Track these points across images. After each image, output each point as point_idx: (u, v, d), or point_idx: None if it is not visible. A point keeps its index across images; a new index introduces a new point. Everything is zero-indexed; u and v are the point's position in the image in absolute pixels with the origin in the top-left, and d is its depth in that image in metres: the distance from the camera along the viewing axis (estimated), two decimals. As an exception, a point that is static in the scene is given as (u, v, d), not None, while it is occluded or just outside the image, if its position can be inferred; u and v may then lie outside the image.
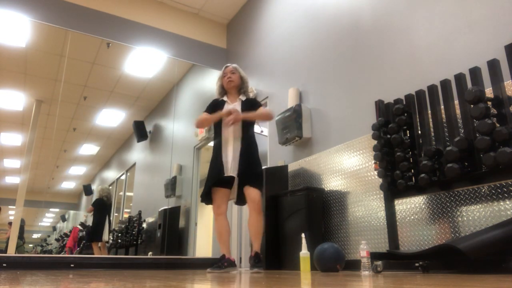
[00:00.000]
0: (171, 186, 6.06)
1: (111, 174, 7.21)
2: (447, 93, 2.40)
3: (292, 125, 3.86)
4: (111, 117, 6.62)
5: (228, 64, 3.22)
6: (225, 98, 3.15)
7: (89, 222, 6.33)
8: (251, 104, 3.09)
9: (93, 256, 5.02)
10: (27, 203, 4.90)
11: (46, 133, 5.74)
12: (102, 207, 5.75)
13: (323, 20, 3.99)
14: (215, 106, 3.13)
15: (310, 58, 4.10)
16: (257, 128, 5.56)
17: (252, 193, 2.91)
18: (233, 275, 2.39)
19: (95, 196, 5.88)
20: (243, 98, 3.13)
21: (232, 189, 3.05)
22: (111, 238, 6.05)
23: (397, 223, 2.73)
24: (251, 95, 5.05)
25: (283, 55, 4.62)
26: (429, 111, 2.55)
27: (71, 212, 6.91)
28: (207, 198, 3.00)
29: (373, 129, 2.82)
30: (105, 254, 5.57)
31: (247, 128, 3.03)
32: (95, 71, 5.87)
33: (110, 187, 7.01)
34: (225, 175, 2.93)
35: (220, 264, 2.82)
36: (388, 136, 2.72)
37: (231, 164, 2.94)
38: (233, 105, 3.07)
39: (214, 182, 2.95)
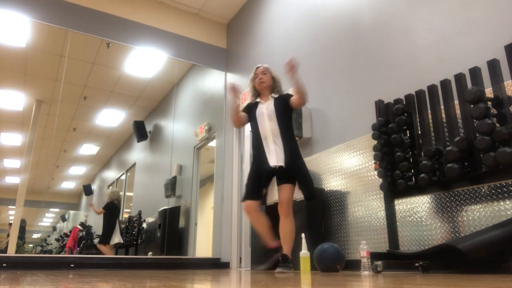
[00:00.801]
0: (171, 186, 6.06)
1: (111, 174, 7.21)
2: (447, 93, 2.40)
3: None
4: (111, 117, 6.62)
5: (259, 65, 3.16)
6: (258, 99, 3.09)
7: (89, 222, 6.34)
8: (282, 99, 3.01)
9: (93, 256, 5.02)
10: (27, 203, 4.90)
11: (46, 133, 5.74)
12: (113, 211, 5.77)
13: (323, 20, 3.99)
14: (250, 107, 3.10)
15: (310, 58, 4.10)
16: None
17: (285, 193, 2.79)
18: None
19: (106, 199, 5.87)
20: (275, 95, 3.06)
21: (271, 187, 2.91)
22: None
23: (397, 223, 2.73)
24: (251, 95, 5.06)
25: (283, 55, 4.62)
26: (429, 111, 2.55)
27: (71, 212, 6.91)
28: (256, 194, 2.86)
29: (373, 129, 2.82)
30: (112, 255, 5.60)
31: (281, 124, 2.92)
32: (95, 71, 5.87)
33: (110, 187, 7.01)
34: (272, 164, 2.80)
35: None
36: (388, 136, 2.72)
37: (275, 154, 2.82)
38: (266, 104, 3.02)
39: (259, 181, 2.82)
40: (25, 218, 5.70)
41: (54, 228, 6.77)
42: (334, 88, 3.67)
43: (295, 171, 2.79)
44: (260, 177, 2.84)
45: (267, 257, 2.83)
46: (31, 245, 6.35)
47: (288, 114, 2.97)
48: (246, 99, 5.16)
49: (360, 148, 3.21)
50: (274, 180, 2.89)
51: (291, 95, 2.97)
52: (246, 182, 2.94)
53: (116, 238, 5.60)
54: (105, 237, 5.56)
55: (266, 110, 2.96)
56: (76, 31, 4.90)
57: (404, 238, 2.69)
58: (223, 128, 5.65)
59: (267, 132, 2.91)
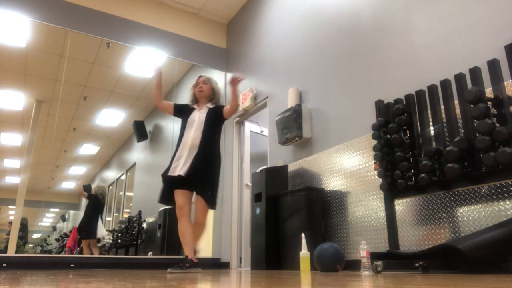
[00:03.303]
0: (171, 186, 6.04)
1: (111, 174, 7.21)
2: (447, 93, 2.40)
3: (292, 125, 3.86)
4: (111, 117, 6.62)
5: (202, 74, 3.37)
6: (195, 106, 3.25)
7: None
8: (215, 110, 3.19)
9: (93, 256, 5.02)
10: (27, 203, 4.90)
11: (46, 133, 5.74)
12: (95, 204, 5.71)
13: (323, 20, 3.99)
14: (183, 108, 3.26)
15: (310, 58, 4.10)
16: (256, 128, 5.57)
17: (200, 210, 2.98)
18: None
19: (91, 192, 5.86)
20: (210, 106, 3.23)
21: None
22: (110, 238, 6.03)
23: (397, 223, 2.73)
24: (251, 95, 5.06)
25: (283, 55, 4.62)
26: (429, 111, 2.55)
27: (71, 212, 6.90)
28: (166, 199, 3.03)
29: (373, 129, 2.82)
30: (96, 253, 5.51)
31: (206, 135, 3.06)
32: (95, 71, 5.87)
33: (110, 187, 7.01)
34: (171, 174, 2.98)
35: (182, 264, 2.76)
36: (388, 136, 2.72)
37: (181, 165, 2.98)
38: (200, 112, 3.18)
39: (170, 184, 2.99)
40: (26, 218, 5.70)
41: (54, 228, 6.77)
42: (334, 88, 3.67)
43: (198, 180, 2.96)
44: (172, 181, 2.99)
45: (184, 264, 2.79)
46: (31, 245, 6.35)
47: (217, 126, 3.17)
48: (245, 99, 5.16)
49: (360, 148, 3.21)
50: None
51: (223, 106, 3.18)
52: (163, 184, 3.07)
53: (100, 232, 5.53)
54: (86, 232, 5.49)
55: (198, 118, 3.13)
56: (76, 31, 4.90)
57: (404, 238, 2.69)
58: (222, 128, 5.65)
59: (188, 139, 3.06)
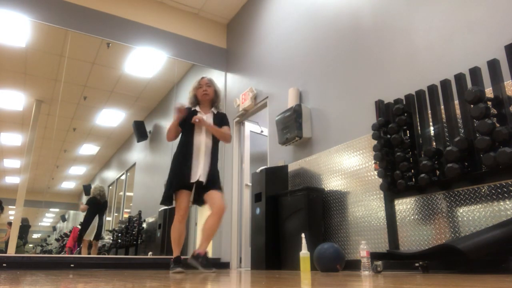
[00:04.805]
0: (171, 186, 6.04)
1: (111, 174, 7.21)
2: (447, 93, 2.40)
3: (292, 125, 3.86)
4: (111, 117, 6.62)
5: (204, 76, 3.33)
6: (197, 108, 3.22)
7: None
8: (221, 119, 3.20)
9: (93, 256, 5.02)
10: (27, 203, 4.90)
11: (46, 133, 5.74)
12: (94, 206, 5.72)
13: (323, 20, 3.99)
14: (187, 114, 3.20)
15: (310, 58, 4.10)
16: (256, 128, 5.56)
17: (219, 198, 2.98)
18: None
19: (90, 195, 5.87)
20: (215, 111, 3.23)
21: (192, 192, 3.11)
22: (110, 238, 6.03)
23: (397, 223, 2.73)
24: (251, 95, 5.06)
25: (283, 55, 4.62)
26: (429, 111, 2.55)
27: (71, 212, 6.91)
28: (169, 200, 3.05)
29: (373, 129, 2.82)
30: (94, 253, 5.52)
31: (215, 139, 3.15)
32: (95, 71, 5.87)
33: (110, 187, 7.01)
34: (192, 181, 3.00)
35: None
36: (388, 136, 2.72)
37: (201, 170, 3.01)
38: (205, 116, 3.16)
39: (181, 185, 3.00)
40: (27, 218, 5.71)
41: (54, 228, 6.78)
42: (334, 88, 3.67)
43: (215, 183, 3.03)
44: (181, 182, 3.00)
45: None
46: (31, 245, 6.35)
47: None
48: (245, 99, 5.16)
49: (360, 148, 3.21)
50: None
51: (228, 123, 3.21)
52: (170, 184, 3.05)
53: (92, 235, 5.53)
54: (82, 232, 5.51)
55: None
56: (76, 31, 4.90)
57: (404, 238, 2.69)
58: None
59: (201, 144, 3.07)
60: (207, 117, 3.15)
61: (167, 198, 3.02)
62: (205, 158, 3.05)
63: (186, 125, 3.15)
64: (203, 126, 3.09)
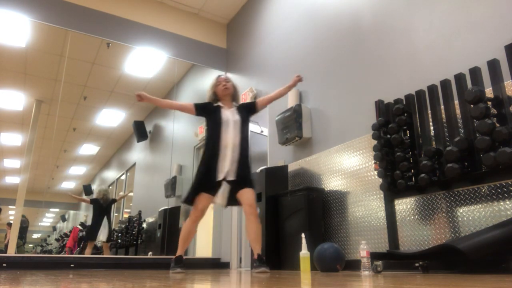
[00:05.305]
0: (171, 186, 6.06)
1: (111, 174, 7.21)
2: (447, 93, 2.40)
3: (292, 125, 3.86)
4: (111, 117, 6.62)
5: (220, 74, 3.32)
6: (220, 104, 3.14)
7: (89, 222, 6.34)
8: (245, 107, 3.18)
9: (93, 256, 5.02)
10: (27, 203, 4.90)
11: (46, 133, 5.74)
12: (97, 208, 5.73)
13: (323, 20, 3.99)
14: (208, 108, 3.14)
15: (310, 58, 4.10)
16: (256, 128, 5.56)
17: (248, 197, 2.91)
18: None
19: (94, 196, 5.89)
20: (236, 104, 3.20)
21: (221, 193, 3.02)
22: (113, 239, 6.03)
23: (397, 223, 2.73)
24: (251, 95, 5.06)
25: (283, 55, 4.62)
26: (429, 111, 2.55)
27: (71, 212, 6.91)
28: (190, 202, 2.99)
29: (373, 129, 2.82)
30: (107, 254, 5.56)
31: (244, 133, 3.07)
32: (95, 71, 5.87)
33: (110, 187, 7.01)
34: (219, 179, 2.92)
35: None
36: (388, 136, 2.72)
37: (228, 167, 2.94)
38: (230, 110, 3.09)
39: (203, 189, 2.94)
40: (27, 219, 5.71)
41: (54, 228, 6.78)
42: (334, 88, 3.67)
43: (247, 179, 2.96)
44: (206, 184, 2.93)
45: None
46: (31, 245, 6.35)
47: (248, 124, 3.17)
48: (245, 99, 5.16)
49: (360, 148, 3.21)
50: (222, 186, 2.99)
51: (253, 101, 3.23)
52: (194, 184, 2.98)
53: (101, 236, 5.56)
54: (90, 234, 5.54)
55: (232, 117, 3.05)
56: (76, 31, 4.90)
57: (404, 238, 2.69)
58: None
59: (228, 140, 3.00)
60: (232, 112, 3.09)
61: (189, 201, 2.97)
62: (233, 155, 2.96)
63: (211, 122, 3.07)
64: (230, 122, 3.02)
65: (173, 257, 2.92)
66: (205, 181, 2.92)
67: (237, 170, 2.94)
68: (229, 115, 3.05)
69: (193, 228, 2.97)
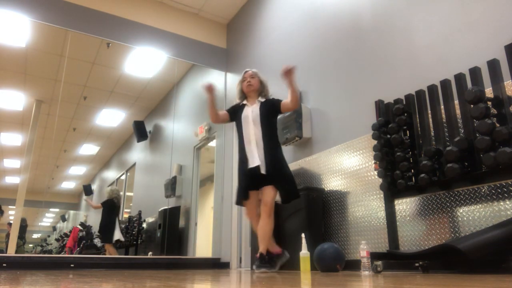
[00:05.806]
0: (171, 186, 6.06)
1: (111, 174, 7.21)
2: (447, 93, 2.40)
3: (292, 125, 3.86)
4: (111, 117, 6.62)
5: (248, 69, 3.28)
6: (244, 102, 3.19)
7: (89, 222, 6.34)
8: (269, 103, 3.13)
9: (93, 256, 5.02)
10: (27, 203, 4.90)
11: (46, 133, 5.74)
12: (111, 208, 5.74)
13: (323, 20, 3.99)
14: (235, 109, 3.22)
15: (310, 58, 4.10)
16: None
17: (266, 194, 2.89)
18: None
19: (105, 197, 5.86)
20: (262, 99, 3.17)
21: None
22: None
23: (397, 223, 2.73)
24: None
25: (283, 55, 4.62)
26: (429, 111, 2.55)
27: (71, 212, 6.91)
28: (240, 203, 3.03)
29: (373, 129, 2.82)
30: (115, 253, 5.57)
31: (265, 129, 3.03)
32: (95, 71, 5.87)
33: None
34: (251, 166, 2.93)
35: (271, 261, 2.86)
36: (388, 136, 2.72)
37: (257, 158, 2.93)
38: (252, 107, 3.12)
39: (247, 183, 2.95)
40: (26, 218, 5.70)
41: (54, 228, 6.77)
42: (334, 88, 3.67)
43: (275, 174, 2.91)
44: (246, 180, 2.97)
45: (273, 262, 2.91)
46: (31, 245, 6.35)
47: (273, 119, 3.11)
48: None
49: (360, 148, 3.21)
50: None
51: (280, 100, 3.10)
52: (238, 185, 3.06)
53: (117, 235, 5.59)
54: (108, 236, 5.54)
55: (251, 113, 3.07)
56: (76, 31, 4.90)
57: (404, 238, 2.69)
58: (223, 128, 5.65)
59: (250, 136, 3.02)
60: (253, 108, 3.09)
61: (239, 202, 3.03)
62: (258, 149, 2.96)
63: (236, 121, 3.14)
64: (249, 119, 3.03)
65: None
66: (242, 178, 2.98)
67: (265, 166, 2.94)
68: (249, 112, 3.07)
69: (255, 224, 2.99)
